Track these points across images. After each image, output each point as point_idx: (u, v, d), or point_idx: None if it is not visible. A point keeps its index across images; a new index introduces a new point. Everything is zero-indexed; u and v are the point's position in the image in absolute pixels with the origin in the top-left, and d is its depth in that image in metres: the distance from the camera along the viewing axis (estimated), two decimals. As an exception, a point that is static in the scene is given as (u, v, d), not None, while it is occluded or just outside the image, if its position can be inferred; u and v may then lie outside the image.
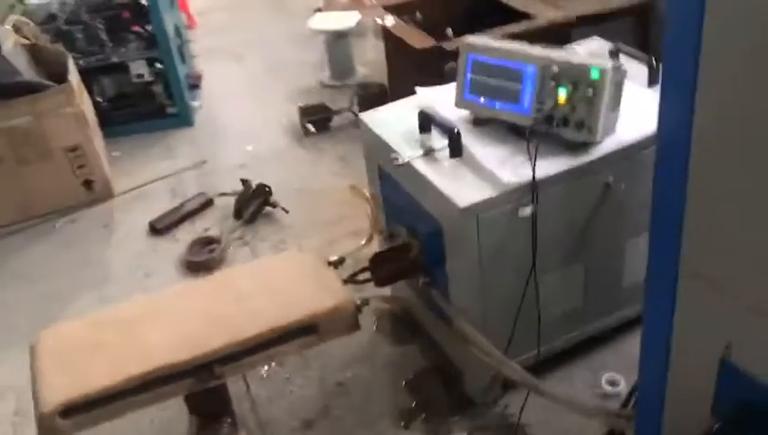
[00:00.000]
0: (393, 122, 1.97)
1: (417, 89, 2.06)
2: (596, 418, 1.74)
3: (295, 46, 4.12)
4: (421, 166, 1.76)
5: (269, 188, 2.82)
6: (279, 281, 1.81)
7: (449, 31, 2.90)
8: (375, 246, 2.11)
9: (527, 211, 1.64)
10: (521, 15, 3.01)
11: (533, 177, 1.62)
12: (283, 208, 2.79)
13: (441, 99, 1.96)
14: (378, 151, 1.97)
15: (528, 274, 1.69)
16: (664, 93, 1.13)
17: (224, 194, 2.90)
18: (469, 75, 1.84)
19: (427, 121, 1.85)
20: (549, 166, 1.67)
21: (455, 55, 1.94)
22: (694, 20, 1.03)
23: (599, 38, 2.31)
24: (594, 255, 1.85)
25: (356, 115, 3.05)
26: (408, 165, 1.78)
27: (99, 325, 1.72)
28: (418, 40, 2.91)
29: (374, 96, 3.18)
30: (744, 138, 1.06)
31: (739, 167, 1.09)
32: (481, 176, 1.69)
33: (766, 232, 1.08)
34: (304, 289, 1.77)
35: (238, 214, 2.81)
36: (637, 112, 1.74)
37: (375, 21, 3.27)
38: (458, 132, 1.75)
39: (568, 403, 1.77)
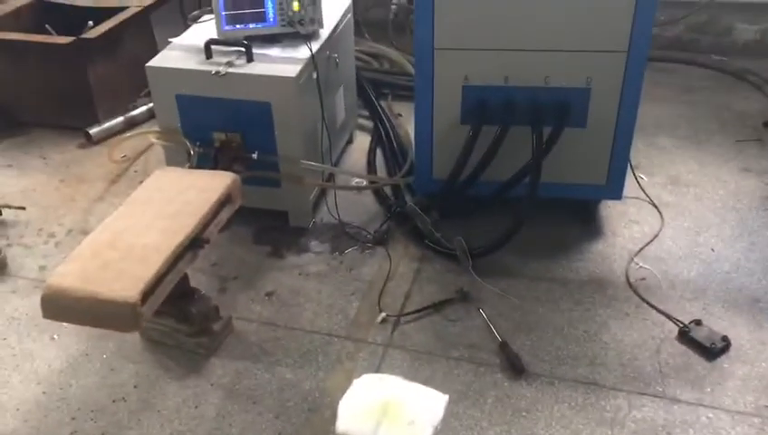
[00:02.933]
0: (175, 60, 2.64)
1: (172, 39, 2.75)
2: (386, 184, 2.94)
3: None
4: (242, 70, 2.55)
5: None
6: (179, 186, 2.37)
7: (90, 23, 3.42)
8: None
9: (314, 75, 2.65)
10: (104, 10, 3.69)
11: (313, 54, 2.63)
12: (18, 207, 2.97)
13: (196, 38, 2.73)
14: (175, 84, 2.62)
15: (320, 109, 2.71)
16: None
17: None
18: (223, 12, 2.66)
19: (210, 48, 2.62)
20: (306, 49, 2.67)
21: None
22: None
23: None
24: (330, 100, 2.94)
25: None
26: (229, 74, 2.54)
27: (92, 254, 2.04)
28: (56, 39, 3.37)
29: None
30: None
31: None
32: (280, 62, 2.60)
33: (471, 18, 2.43)
34: (203, 179, 2.40)
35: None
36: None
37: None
38: (249, 44, 2.59)
39: (373, 182, 2.93)
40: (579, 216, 2.85)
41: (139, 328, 2.00)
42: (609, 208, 2.89)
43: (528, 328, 2.38)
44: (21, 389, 2.23)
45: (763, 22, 4.12)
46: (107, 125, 3.51)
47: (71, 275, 1.98)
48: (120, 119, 3.55)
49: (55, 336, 2.41)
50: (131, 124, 3.55)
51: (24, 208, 2.98)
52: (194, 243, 2.17)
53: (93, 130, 3.44)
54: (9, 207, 2.95)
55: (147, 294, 1.95)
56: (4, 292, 2.61)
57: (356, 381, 1.81)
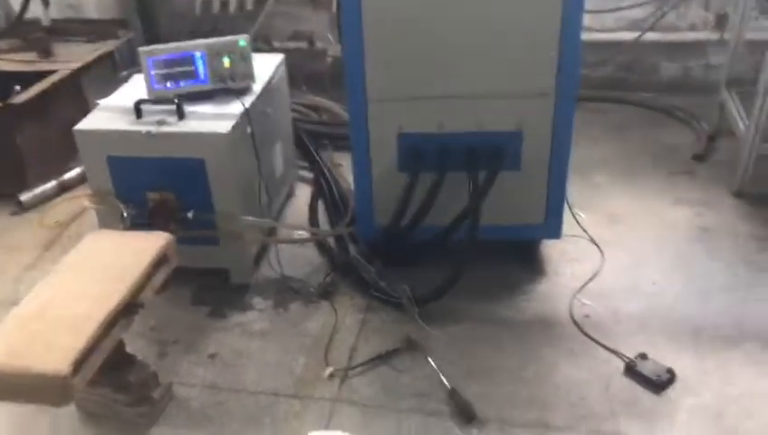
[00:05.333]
0: (104, 122, 2.60)
1: (100, 101, 2.71)
2: (328, 236, 2.90)
3: None
4: (173, 129, 2.52)
5: None
6: (112, 249, 2.30)
7: (17, 87, 3.34)
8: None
9: (249, 129, 2.63)
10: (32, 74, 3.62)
11: (246, 109, 2.62)
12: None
13: (125, 98, 2.69)
14: (105, 146, 2.56)
15: (257, 164, 2.68)
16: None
17: None
18: (152, 72, 2.64)
19: (140, 108, 2.58)
20: (239, 105, 2.66)
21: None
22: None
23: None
24: (267, 154, 2.92)
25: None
26: (161, 134, 2.50)
27: (18, 326, 1.95)
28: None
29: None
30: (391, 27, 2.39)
31: (386, 41, 2.41)
32: (213, 119, 2.57)
33: (402, 69, 2.45)
34: (136, 241, 2.33)
35: None
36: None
37: None
38: (180, 102, 2.57)
39: (315, 234, 2.88)
40: (520, 256, 2.86)
41: (70, 401, 1.90)
42: (549, 248, 2.91)
43: (477, 373, 2.36)
44: (-54, 476, 2.10)
45: (685, 60, 4.29)
46: (39, 190, 3.41)
47: (-4, 349, 1.89)
48: (53, 183, 3.45)
49: (-17, 416, 2.28)
50: (65, 188, 3.46)
51: (-50, 281, 2.86)
52: (128, 308, 2.10)
53: (24, 197, 3.34)
54: (-66, 280, 2.83)
55: (78, 364, 1.86)
56: (-72, 372, 2.46)
57: (302, 441, 1.76)
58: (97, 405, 2.27)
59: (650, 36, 4.18)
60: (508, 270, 2.81)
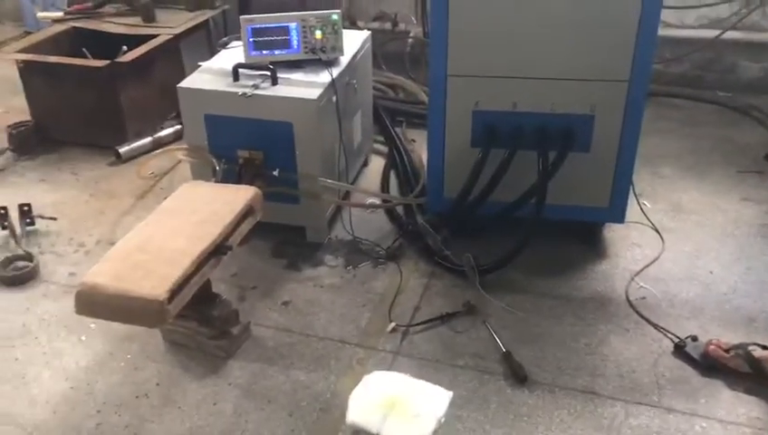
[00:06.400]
0: (204, 82, 2.83)
1: (201, 63, 2.94)
2: (399, 204, 3.08)
3: None
4: (267, 92, 2.73)
5: (27, 205, 3.10)
6: (205, 197, 2.53)
7: (125, 48, 3.63)
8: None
9: (334, 98, 2.82)
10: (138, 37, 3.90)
11: (333, 79, 2.80)
12: (50, 217, 3.14)
13: (224, 62, 2.92)
14: (204, 104, 2.80)
15: (339, 131, 2.88)
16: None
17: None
18: (251, 39, 2.85)
19: (238, 72, 2.80)
20: (327, 75, 2.85)
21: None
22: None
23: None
24: (348, 123, 3.11)
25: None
26: (255, 96, 2.71)
27: (123, 256, 2.19)
28: (92, 62, 3.58)
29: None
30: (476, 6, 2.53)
31: (470, 19, 2.55)
32: (302, 86, 2.77)
33: (483, 47, 2.59)
34: (227, 192, 2.55)
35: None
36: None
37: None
38: (274, 68, 2.77)
39: (387, 200, 3.07)
40: (583, 237, 2.97)
41: (165, 324, 2.14)
42: (612, 232, 3.01)
43: (531, 340, 2.49)
44: (50, 383, 2.37)
45: (766, 60, 4.27)
46: (136, 144, 3.70)
47: (104, 273, 2.13)
48: (148, 139, 3.73)
49: (83, 337, 2.55)
50: (158, 145, 3.72)
51: (55, 219, 3.16)
52: (218, 249, 2.32)
53: (123, 149, 3.63)
54: (42, 217, 3.13)
55: (174, 292, 2.09)
56: (35, 295, 2.77)
57: (366, 377, 1.93)
58: (182, 336, 2.51)
59: (731, 35, 4.18)
60: (570, 250, 2.93)
